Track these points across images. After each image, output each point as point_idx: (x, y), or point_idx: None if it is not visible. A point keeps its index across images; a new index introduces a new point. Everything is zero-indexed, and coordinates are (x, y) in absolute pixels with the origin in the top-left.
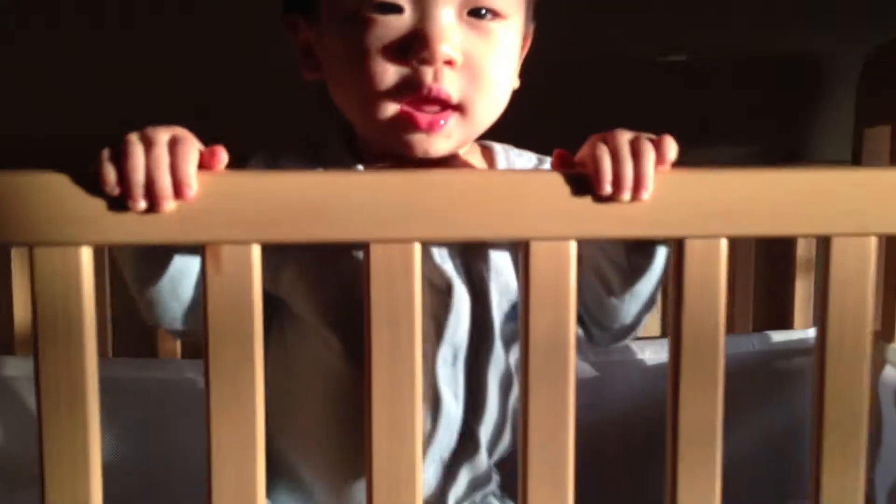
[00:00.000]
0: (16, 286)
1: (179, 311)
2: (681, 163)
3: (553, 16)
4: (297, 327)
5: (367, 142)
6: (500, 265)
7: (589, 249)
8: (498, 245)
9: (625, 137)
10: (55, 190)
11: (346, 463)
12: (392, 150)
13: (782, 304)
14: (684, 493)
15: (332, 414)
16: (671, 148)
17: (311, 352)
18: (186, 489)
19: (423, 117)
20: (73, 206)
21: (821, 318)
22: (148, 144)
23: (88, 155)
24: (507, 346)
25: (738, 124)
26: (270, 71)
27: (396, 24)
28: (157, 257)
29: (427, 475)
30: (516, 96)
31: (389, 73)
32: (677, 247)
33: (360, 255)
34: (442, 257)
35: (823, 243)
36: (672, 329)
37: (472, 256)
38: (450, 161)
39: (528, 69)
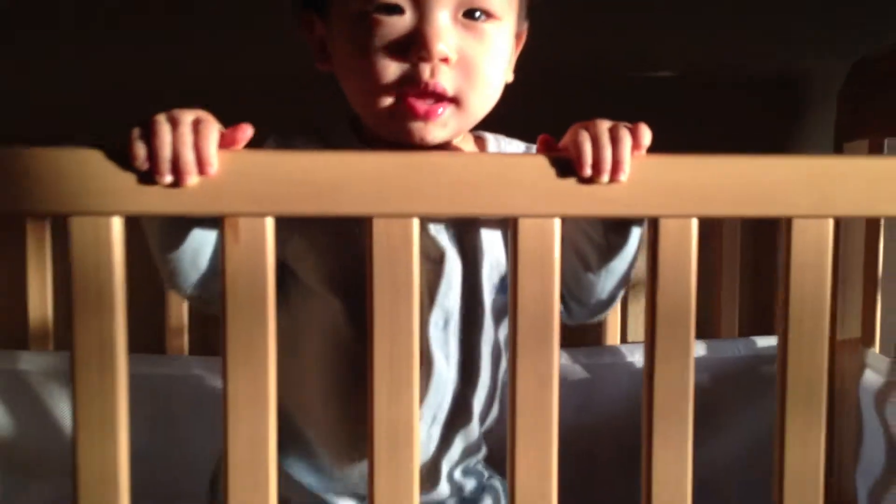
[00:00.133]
0: (30, 283)
1: (199, 279)
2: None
3: (546, 34)
4: (302, 292)
5: (371, 129)
6: (491, 239)
7: (569, 229)
8: (489, 222)
9: (604, 125)
10: (90, 165)
11: (348, 424)
12: (393, 137)
13: (767, 311)
14: (659, 450)
15: (333, 372)
16: (646, 135)
17: (314, 314)
18: (193, 483)
19: (420, 106)
20: (105, 179)
21: (784, 295)
22: (174, 124)
23: None
24: (498, 320)
25: (722, 138)
26: (273, 68)
27: (398, 24)
28: (180, 229)
29: (422, 439)
30: (512, 108)
31: (391, 69)
32: (652, 226)
33: (363, 227)
34: (437, 230)
35: (785, 225)
36: (647, 300)
37: (464, 229)
38: (445, 148)
39: (523, 83)
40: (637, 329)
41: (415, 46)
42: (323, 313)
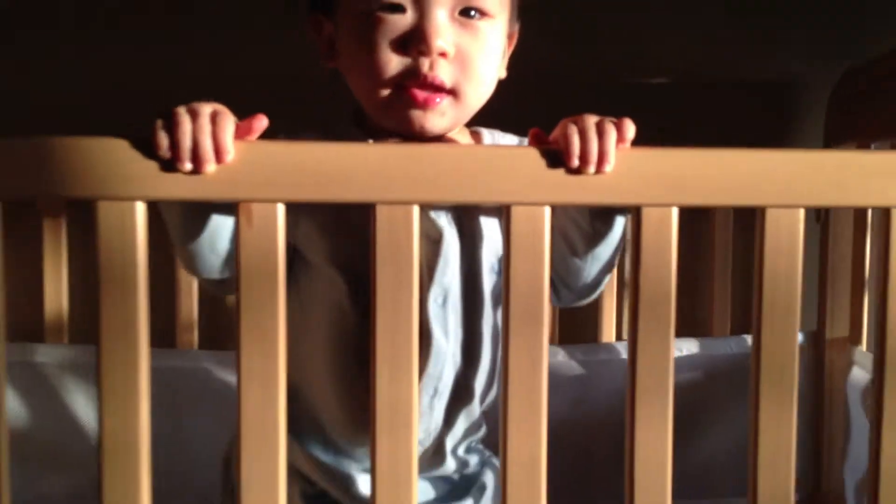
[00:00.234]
0: (47, 275)
1: (216, 263)
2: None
3: (547, 39)
4: (310, 273)
5: (373, 120)
6: (490, 224)
7: (559, 217)
8: (488, 208)
9: (591, 120)
10: (116, 153)
11: (353, 401)
12: (394, 126)
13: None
14: (641, 427)
15: (339, 350)
16: (630, 129)
17: (321, 294)
18: (201, 471)
19: (420, 94)
20: (130, 167)
21: (758, 280)
22: (194, 116)
23: None
24: (496, 304)
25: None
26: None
27: (400, 22)
28: (198, 216)
29: (423, 408)
30: (513, 109)
31: (393, 63)
32: (635, 214)
33: (367, 212)
34: (436, 212)
35: (759, 214)
36: (631, 282)
37: (463, 212)
38: (443, 140)
39: (526, 86)
40: None
41: (415, 42)
42: (329, 293)
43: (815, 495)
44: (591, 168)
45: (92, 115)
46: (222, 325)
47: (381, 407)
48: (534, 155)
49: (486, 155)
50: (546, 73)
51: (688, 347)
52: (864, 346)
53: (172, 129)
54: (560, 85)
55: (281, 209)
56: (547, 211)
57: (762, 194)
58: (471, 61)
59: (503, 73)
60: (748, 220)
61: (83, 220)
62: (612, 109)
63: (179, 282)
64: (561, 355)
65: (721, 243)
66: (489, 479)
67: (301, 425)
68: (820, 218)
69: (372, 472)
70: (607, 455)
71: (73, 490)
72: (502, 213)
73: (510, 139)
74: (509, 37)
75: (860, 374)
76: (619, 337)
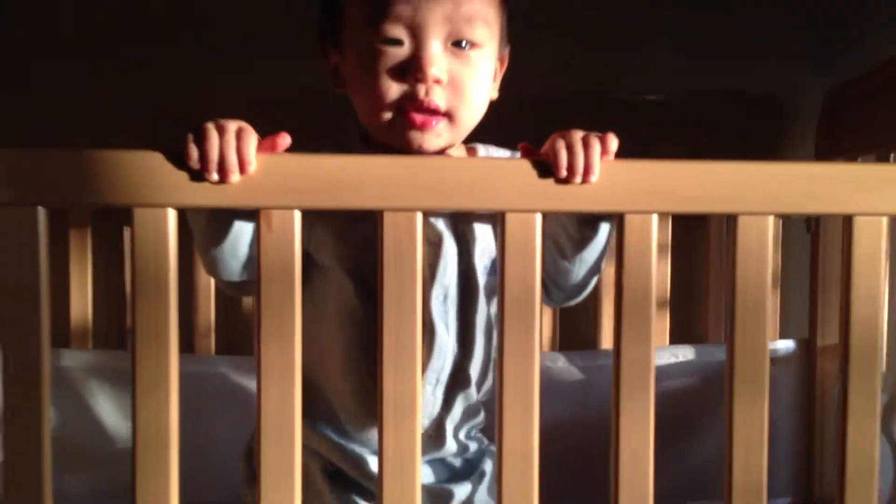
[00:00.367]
0: (73, 284)
1: (236, 266)
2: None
3: (543, 59)
4: (321, 274)
5: (377, 140)
6: (483, 228)
7: (549, 223)
8: (480, 216)
9: (578, 134)
10: (150, 164)
11: (362, 390)
12: (396, 145)
13: None
14: (625, 417)
15: (348, 345)
16: (613, 143)
17: (331, 293)
18: (219, 474)
19: (417, 118)
20: (162, 176)
21: (731, 282)
22: (221, 131)
23: None
24: (489, 299)
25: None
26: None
27: (398, 53)
28: (222, 223)
29: (428, 398)
30: (508, 128)
31: (393, 89)
32: (619, 220)
33: (375, 221)
34: (435, 219)
35: (732, 221)
36: (616, 282)
37: (459, 218)
38: (442, 154)
39: (520, 106)
40: None
41: (412, 70)
42: (339, 293)
43: (808, 500)
44: (578, 179)
45: (123, 128)
46: (238, 331)
47: (388, 398)
48: (526, 166)
49: (482, 167)
50: (544, 90)
51: (684, 354)
52: None
53: (201, 142)
54: (558, 101)
55: (297, 215)
56: (538, 218)
57: (734, 202)
58: (463, 87)
59: (495, 94)
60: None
61: (108, 231)
62: (610, 125)
63: (197, 289)
64: (562, 361)
65: (716, 252)
66: (488, 466)
67: (317, 412)
68: (810, 228)
69: (379, 456)
70: (606, 457)
71: (94, 488)
72: (496, 219)
73: (503, 153)
74: (500, 60)
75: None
76: None
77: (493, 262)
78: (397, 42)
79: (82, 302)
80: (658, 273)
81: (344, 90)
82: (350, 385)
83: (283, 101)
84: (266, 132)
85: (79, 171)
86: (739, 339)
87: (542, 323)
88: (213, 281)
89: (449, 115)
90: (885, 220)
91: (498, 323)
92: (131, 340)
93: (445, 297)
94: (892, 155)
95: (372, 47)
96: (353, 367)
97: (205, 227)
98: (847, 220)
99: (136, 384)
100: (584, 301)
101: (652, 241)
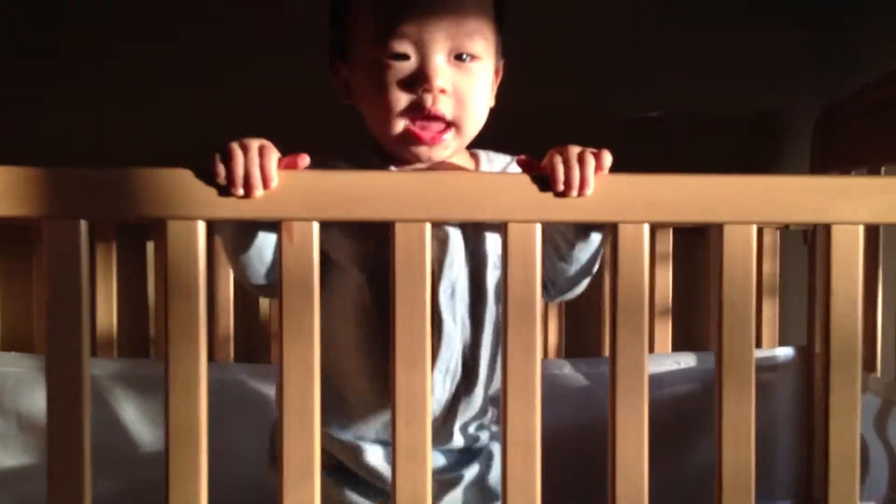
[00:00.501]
0: (99, 296)
1: (262, 271)
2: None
3: (549, 77)
4: (340, 277)
5: (388, 148)
6: (489, 230)
7: (548, 230)
8: (490, 225)
9: (574, 150)
10: (182, 180)
11: (375, 383)
12: (406, 156)
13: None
14: (622, 414)
15: (363, 333)
16: (607, 158)
17: (346, 290)
18: (237, 477)
19: (426, 135)
20: (193, 192)
21: (718, 286)
22: (245, 150)
23: None
24: (498, 295)
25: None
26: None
27: (405, 66)
28: (248, 233)
29: (437, 388)
30: (514, 144)
31: (402, 100)
32: (612, 230)
33: (387, 228)
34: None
35: (718, 230)
36: (610, 287)
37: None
38: (447, 162)
39: (533, 124)
40: None
41: (420, 82)
42: (355, 292)
43: (807, 503)
44: (574, 192)
45: (156, 147)
46: (256, 340)
47: (400, 392)
48: (526, 181)
49: (487, 181)
50: (548, 106)
51: (685, 361)
52: None
53: (227, 160)
54: (562, 117)
55: (316, 227)
56: (538, 227)
57: (720, 213)
58: (466, 97)
59: (492, 103)
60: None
61: (132, 246)
62: (612, 141)
63: (218, 300)
64: (567, 368)
65: (716, 262)
66: (496, 448)
67: (329, 412)
68: (807, 240)
69: (392, 443)
70: (604, 456)
71: (118, 489)
72: (501, 227)
73: (503, 158)
74: (495, 72)
75: (871, 400)
76: None
77: (500, 258)
78: (404, 57)
79: (107, 313)
80: (660, 282)
81: (353, 102)
82: (367, 372)
83: (297, 112)
84: (283, 142)
85: (118, 186)
86: (727, 340)
87: (550, 332)
88: (232, 293)
89: (455, 125)
90: (860, 229)
91: (501, 318)
92: (165, 341)
93: (453, 292)
94: (882, 169)
95: (380, 62)
96: (367, 355)
97: (233, 238)
98: (826, 229)
99: (169, 383)
100: (588, 311)
101: (644, 249)
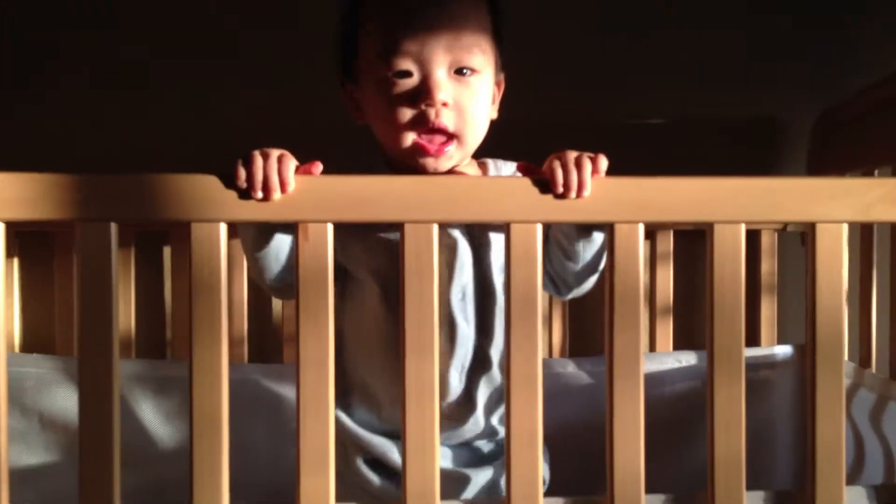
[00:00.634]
0: (119, 300)
1: (279, 272)
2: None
3: (555, 88)
4: (357, 284)
5: (398, 161)
6: (494, 233)
7: (554, 232)
8: (492, 225)
9: (572, 155)
10: (205, 185)
11: (389, 378)
12: (413, 169)
13: (750, 324)
14: (618, 401)
15: (384, 343)
16: (603, 162)
17: (362, 299)
18: (252, 474)
19: (431, 147)
20: (215, 195)
21: (709, 281)
22: (265, 157)
23: None
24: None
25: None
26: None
27: (409, 83)
28: (266, 234)
29: (454, 382)
30: (513, 150)
31: (407, 114)
32: (609, 229)
33: (398, 235)
34: (451, 228)
35: (708, 229)
36: (607, 283)
37: (473, 225)
38: (456, 171)
39: (538, 132)
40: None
41: (422, 96)
42: (368, 296)
43: None
44: (573, 194)
45: (156, 147)
46: (269, 341)
47: (410, 385)
48: (528, 184)
49: (490, 184)
50: (555, 116)
51: (686, 359)
52: (845, 356)
53: (248, 166)
54: (567, 125)
55: (330, 228)
56: (538, 228)
57: (710, 212)
58: (466, 109)
59: (494, 115)
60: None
61: (149, 251)
62: (615, 147)
63: (232, 302)
64: (571, 367)
65: (707, 259)
66: None
67: (359, 409)
68: (804, 242)
69: (402, 437)
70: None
71: (136, 485)
72: (504, 228)
73: (510, 165)
74: (497, 85)
75: (866, 395)
76: None
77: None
78: (407, 74)
79: (126, 316)
80: (661, 283)
81: (365, 121)
82: (386, 368)
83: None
84: (304, 158)
85: (146, 191)
86: (718, 334)
87: (554, 331)
88: (246, 296)
89: (456, 137)
90: (844, 227)
91: (505, 311)
92: (189, 335)
93: (464, 295)
94: (875, 171)
95: (385, 80)
96: (389, 364)
97: (253, 239)
98: (811, 227)
99: (193, 377)
100: (592, 311)
101: (639, 247)
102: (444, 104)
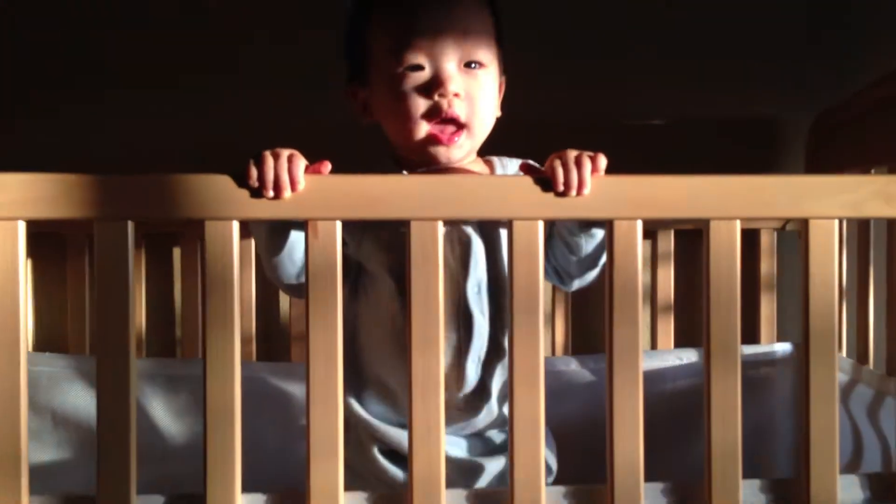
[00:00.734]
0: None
1: (293, 271)
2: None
3: (558, 88)
4: (371, 279)
5: (406, 158)
6: (504, 229)
7: (558, 228)
8: (499, 221)
9: (572, 154)
10: (219, 184)
11: (404, 370)
12: (424, 161)
13: (750, 323)
14: (618, 393)
15: (396, 337)
16: (602, 161)
17: (381, 296)
18: (260, 470)
19: (444, 136)
20: (228, 194)
21: (706, 277)
22: (275, 157)
23: None
24: None
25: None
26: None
27: (421, 76)
28: (279, 233)
29: (470, 373)
30: (515, 148)
31: (420, 105)
32: (608, 226)
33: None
34: (465, 225)
35: (704, 225)
36: (606, 279)
37: (486, 223)
38: (463, 168)
39: (541, 132)
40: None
41: (435, 88)
42: (383, 292)
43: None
44: (573, 192)
45: (156, 148)
46: (276, 340)
47: (416, 375)
48: (529, 182)
49: (494, 183)
50: (561, 117)
51: (688, 356)
52: (843, 353)
53: (259, 166)
54: (573, 126)
55: (339, 225)
56: (540, 224)
57: (706, 209)
58: (476, 100)
59: (498, 112)
60: (742, 240)
61: (159, 252)
62: (616, 147)
63: (241, 301)
64: (574, 364)
65: (704, 255)
66: None
67: (373, 402)
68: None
69: (409, 425)
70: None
71: (146, 480)
72: (506, 225)
73: (515, 163)
74: (499, 84)
75: (863, 391)
76: None
77: None
78: (419, 67)
79: (137, 315)
80: (662, 281)
81: (372, 119)
82: (403, 373)
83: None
84: (313, 158)
85: (161, 190)
86: (714, 328)
87: (557, 329)
88: (254, 295)
89: (467, 127)
90: (836, 223)
91: (509, 306)
92: (202, 328)
93: (479, 289)
94: (871, 171)
95: (397, 75)
96: (403, 358)
97: (267, 239)
98: (804, 223)
99: (207, 370)
100: (595, 308)
101: (637, 242)
102: (456, 94)
